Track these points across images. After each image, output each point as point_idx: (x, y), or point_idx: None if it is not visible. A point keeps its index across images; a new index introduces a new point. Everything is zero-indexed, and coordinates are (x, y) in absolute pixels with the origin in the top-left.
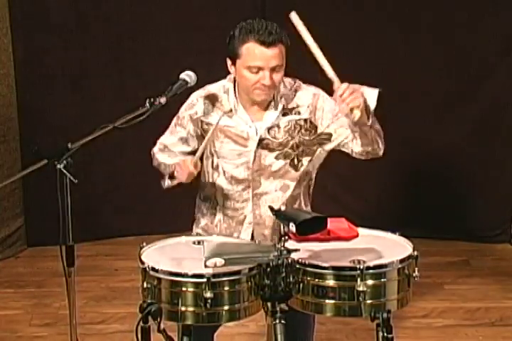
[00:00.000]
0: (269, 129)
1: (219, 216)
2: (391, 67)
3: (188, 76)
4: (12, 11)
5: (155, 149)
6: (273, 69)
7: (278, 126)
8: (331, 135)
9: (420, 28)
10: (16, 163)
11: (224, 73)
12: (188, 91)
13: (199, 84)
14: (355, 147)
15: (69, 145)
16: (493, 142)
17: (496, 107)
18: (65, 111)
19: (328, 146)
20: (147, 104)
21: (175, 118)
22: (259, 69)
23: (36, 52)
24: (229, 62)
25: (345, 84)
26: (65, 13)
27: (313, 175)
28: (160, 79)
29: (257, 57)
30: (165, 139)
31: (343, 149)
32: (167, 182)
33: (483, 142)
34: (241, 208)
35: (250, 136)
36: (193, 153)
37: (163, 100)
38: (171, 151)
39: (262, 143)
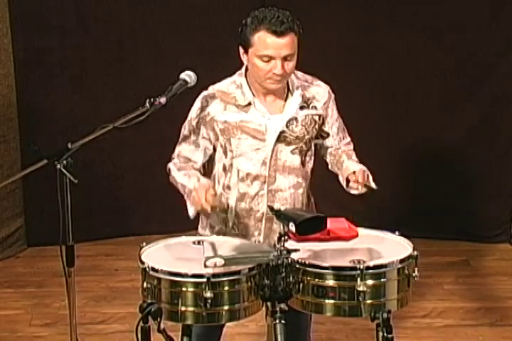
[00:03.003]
0: (287, 122)
1: (232, 220)
2: (391, 68)
3: (188, 76)
4: (12, 11)
5: (171, 166)
6: (284, 59)
7: (296, 120)
8: (328, 135)
9: (420, 29)
10: (16, 163)
11: (224, 73)
12: (188, 91)
13: (199, 84)
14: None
15: (69, 145)
16: (494, 142)
17: (496, 108)
18: (65, 111)
19: (318, 142)
20: (147, 104)
21: (185, 126)
22: (271, 58)
23: (36, 52)
24: (241, 50)
25: (360, 171)
26: (65, 13)
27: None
28: (160, 79)
29: (269, 46)
30: (182, 150)
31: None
32: (192, 212)
33: (484, 142)
34: (256, 205)
35: (268, 128)
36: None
37: (163, 100)
38: (190, 166)
39: (280, 137)
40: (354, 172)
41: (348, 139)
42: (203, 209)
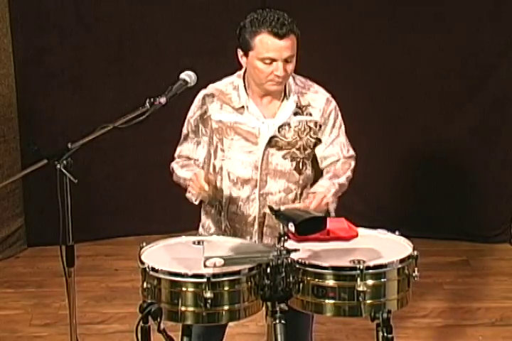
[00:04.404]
0: (279, 127)
1: (225, 222)
2: (392, 68)
3: (188, 76)
4: (12, 11)
5: (174, 165)
6: (286, 60)
7: (289, 125)
8: (320, 141)
9: (421, 29)
10: (16, 163)
11: (224, 73)
12: (188, 91)
13: (199, 84)
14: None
15: (69, 145)
16: (494, 143)
17: (497, 108)
18: (65, 111)
19: (316, 150)
20: (147, 104)
21: (185, 125)
22: (273, 60)
23: (36, 52)
24: (240, 53)
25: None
26: (65, 13)
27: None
28: (160, 79)
29: (271, 48)
30: (183, 149)
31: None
32: (194, 199)
33: (484, 142)
34: (247, 209)
35: (261, 132)
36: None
37: (163, 100)
38: (192, 163)
39: (271, 141)
40: (313, 193)
41: (351, 153)
42: (202, 188)
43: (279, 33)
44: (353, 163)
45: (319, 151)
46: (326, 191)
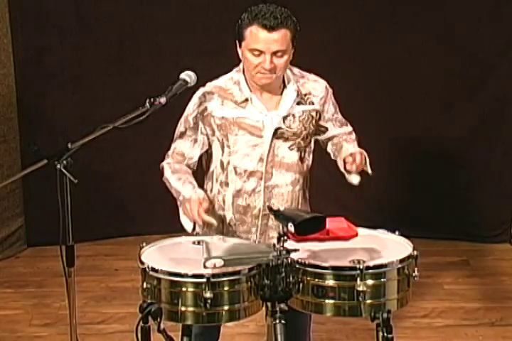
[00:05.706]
0: (284, 118)
1: (230, 215)
2: (392, 68)
3: (188, 76)
4: (12, 11)
5: (165, 165)
6: (274, 54)
7: (293, 116)
8: (327, 129)
9: (421, 29)
10: (16, 163)
11: (224, 73)
12: (188, 91)
13: (199, 84)
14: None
15: (69, 145)
16: (494, 142)
17: (497, 108)
18: (65, 111)
19: (319, 138)
20: (147, 104)
21: (181, 123)
22: (261, 52)
23: (36, 52)
24: (237, 44)
25: (357, 153)
26: (65, 13)
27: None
28: (160, 79)
29: (259, 40)
30: (179, 146)
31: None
32: (189, 227)
33: (484, 142)
34: (253, 202)
35: (265, 124)
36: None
37: (163, 100)
38: (184, 169)
39: (277, 133)
40: (351, 154)
41: (350, 129)
42: (195, 221)
43: (268, 25)
44: (354, 136)
45: (329, 135)
46: (358, 150)
